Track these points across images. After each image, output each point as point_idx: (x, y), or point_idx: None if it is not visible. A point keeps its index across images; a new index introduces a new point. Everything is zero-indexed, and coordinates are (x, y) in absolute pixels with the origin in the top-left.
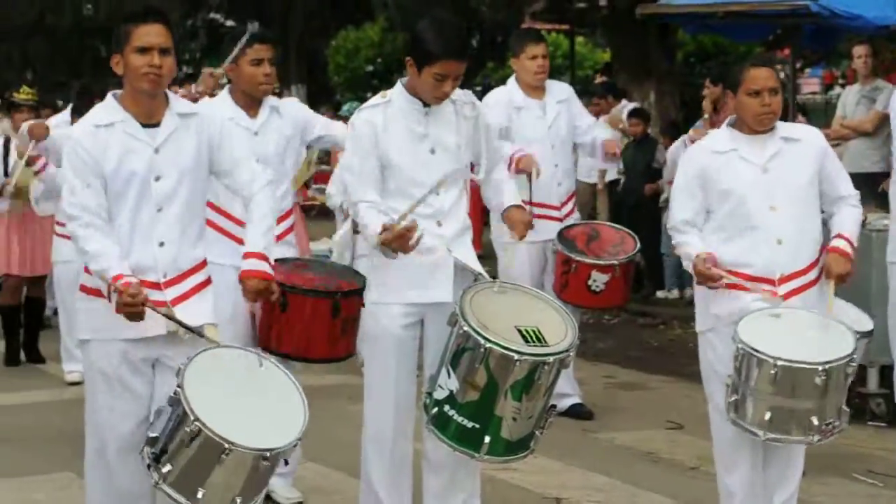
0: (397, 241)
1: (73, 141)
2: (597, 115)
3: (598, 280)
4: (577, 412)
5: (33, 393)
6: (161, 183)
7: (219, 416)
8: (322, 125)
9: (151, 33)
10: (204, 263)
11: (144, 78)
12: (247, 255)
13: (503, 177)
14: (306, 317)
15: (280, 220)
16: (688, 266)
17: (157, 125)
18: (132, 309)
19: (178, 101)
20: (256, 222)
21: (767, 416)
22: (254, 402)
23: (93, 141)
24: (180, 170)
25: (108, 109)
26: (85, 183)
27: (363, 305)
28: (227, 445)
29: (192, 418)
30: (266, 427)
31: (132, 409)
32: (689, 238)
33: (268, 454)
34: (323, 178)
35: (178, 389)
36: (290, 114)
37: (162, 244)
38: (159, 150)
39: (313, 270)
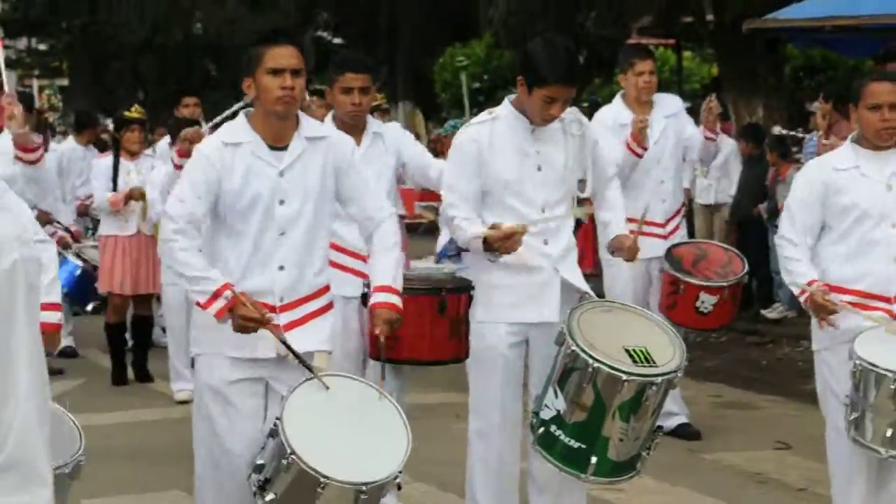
0: (503, 241)
1: (200, 154)
2: None
3: (707, 301)
4: (684, 432)
5: (142, 411)
6: (285, 207)
7: (317, 449)
8: (415, 158)
9: (284, 55)
10: (326, 289)
11: (278, 101)
12: (378, 289)
13: (614, 197)
14: (411, 317)
15: None
16: (793, 287)
17: (284, 148)
18: (251, 324)
19: (308, 124)
20: (384, 254)
21: (889, 432)
22: (355, 432)
23: (219, 157)
24: (305, 194)
25: (237, 129)
26: (196, 194)
27: (471, 300)
28: (322, 479)
29: (288, 451)
30: (366, 459)
31: (240, 427)
32: (797, 255)
33: (364, 488)
34: (430, 196)
35: (278, 422)
36: (394, 141)
37: (282, 268)
38: (284, 173)
39: (416, 279)
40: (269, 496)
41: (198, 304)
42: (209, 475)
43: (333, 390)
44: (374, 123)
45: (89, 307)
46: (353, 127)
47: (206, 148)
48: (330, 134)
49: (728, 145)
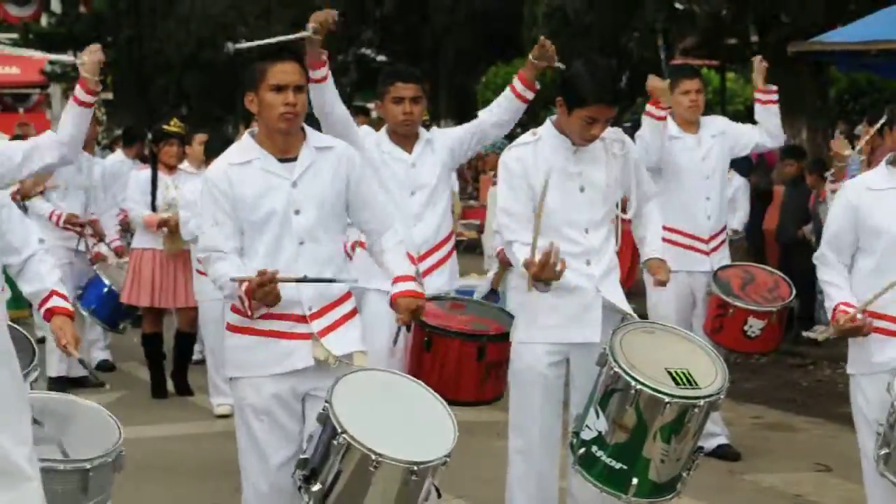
0: (543, 272)
1: (207, 180)
2: None
3: (755, 326)
4: (724, 453)
5: (181, 425)
6: (301, 217)
7: (368, 430)
8: (465, 129)
9: (287, 71)
10: (349, 295)
11: (281, 117)
12: (395, 280)
13: (650, 212)
14: (450, 359)
15: (437, 247)
16: (828, 308)
17: (293, 159)
18: (267, 290)
19: (314, 135)
20: (394, 249)
21: None
22: (403, 419)
23: (226, 179)
24: (319, 202)
25: (244, 148)
26: (213, 220)
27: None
28: (374, 457)
29: (339, 430)
30: (415, 443)
31: (283, 444)
32: (831, 277)
33: (415, 468)
34: (471, 213)
35: (327, 405)
36: (441, 142)
37: (305, 277)
38: (297, 183)
39: (468, 312)
40: (316, 486)
41: (234, 309)
42: (253, 489)
43: (378, 380)
44: (424, 132)
45: (121, 327)
46: (406, 138)
47: (212, 173)
48: (337, 144)
49: (738, 180)
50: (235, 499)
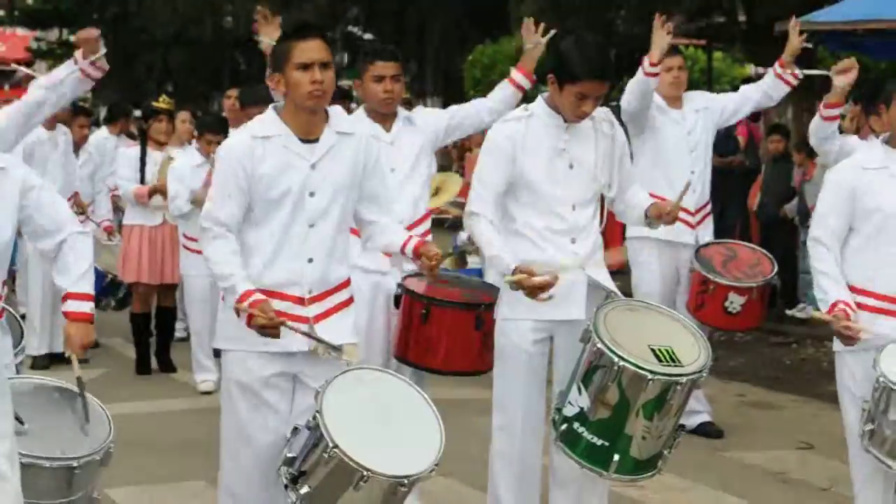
0: (528, 290)
1: (225, 150)
2: None
3: (735, 302)
4: (707, 430)
5: (165, 401)
6: (315, 199)
7: (356, 442)
8: (460, 109)
9: (312, 48)
10: (348, 282)
11: (309, 95)
12: (406, 241)
13: (638, 193)
14: (448, 329)
15: (415, 225)
16: (821, 304)
17: (315, 141)
18: (270, 331)
19: (337, 119)
20: (393, 226)
21: None
22: (391, 425)
23: (249, 152)
24: (335, 187)
25: (267, 122)
26: (225, 193)
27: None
28: (365, 473)
29: (330, 445)
30: (403, 452)
31: (269, 423)
32: (827, 267)
33: (405, 481)
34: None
35: (317, 414)
36: (424, 122)
37: (311, 260)
38: (316, 165)
39: (453, 285)
40: (304, 489)
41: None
42: (235, 467)
43: (367, 383)
44: (402, 110)
45: (102, 304)
46: (385, 116)
47: (234, 145)
48: (357, 130)
49: None
50: None
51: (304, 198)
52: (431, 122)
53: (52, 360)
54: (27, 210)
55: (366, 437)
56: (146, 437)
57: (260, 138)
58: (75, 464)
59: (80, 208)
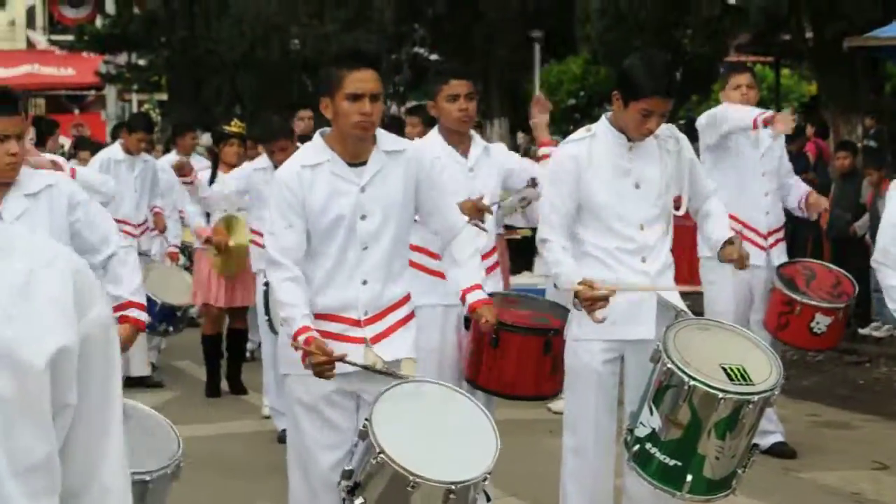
0: (588, 302)
1: (279, 181)
2: None
3: (822, 322)
4: (780, 450)
5: (235, 424)
6: (367, 222)
7: (406, 449)
8: (521, 163)
9: (364, 79)
10: (407, 298)
11: (357, 126)
12: (467, 290)
13: (715, 205)
14: (517, 354)
15: (490, 253)
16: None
17: (363, 164)
18: (324, 368)
19: (385, 138)
20: (468, 262)
21: None
22: (444, 434)
23: (298, 181)
24: (386, 208)
25: (315, 149)
26: (287, 223)
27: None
28: (412, 478)
29: (377, 450)
30: (455, 460)
31: (334, 442)
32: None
33: (454, 487)
34: None
35: (366, 422)
36: (498, 158)
37: (365, 282)
38: (365, 188)
39: (522, 306)
40: (359, 500)
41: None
42: (302, 486)
43: (422, 394)
44: (478, 138)
45: (161, 329)
46: (462, 136)
47: (284, 175)
48: (408, 147)
49: None
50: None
51: (356, 221)
52: (503, 161)
53: (126, 383)
54: (76, 225)
55: (417, 444)
56: (215, 459)
57: (309, 167)
58: (148, 478)
59: (161, 227)
